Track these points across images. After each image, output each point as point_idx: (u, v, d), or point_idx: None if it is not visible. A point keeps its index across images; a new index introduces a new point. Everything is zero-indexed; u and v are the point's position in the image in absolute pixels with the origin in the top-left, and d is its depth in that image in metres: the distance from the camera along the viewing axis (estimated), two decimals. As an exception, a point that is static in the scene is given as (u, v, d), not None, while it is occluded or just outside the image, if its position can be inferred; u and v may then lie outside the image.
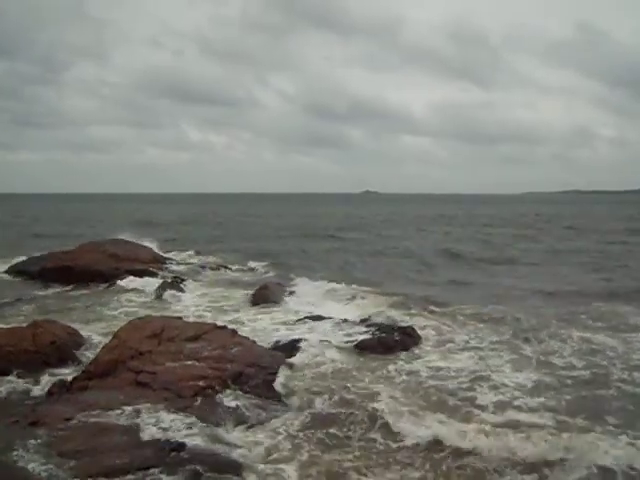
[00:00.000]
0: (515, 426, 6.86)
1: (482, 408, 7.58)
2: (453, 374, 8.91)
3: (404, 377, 8.77)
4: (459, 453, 6.28)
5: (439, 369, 9.12)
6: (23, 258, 20.17)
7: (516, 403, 7.77)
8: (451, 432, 6.66)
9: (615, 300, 14.67)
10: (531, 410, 7.51)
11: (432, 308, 13.62)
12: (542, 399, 7.90)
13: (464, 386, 8.42)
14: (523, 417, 7.22)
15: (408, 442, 6.55)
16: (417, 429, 6.76)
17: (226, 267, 20.95)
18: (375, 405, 7.39)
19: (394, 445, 6.55)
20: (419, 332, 10.94)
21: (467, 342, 10.70)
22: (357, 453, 6.35)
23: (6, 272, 19.10)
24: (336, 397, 7.74)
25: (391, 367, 9.19)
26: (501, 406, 7.65)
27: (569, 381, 8.70)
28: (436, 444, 6.48)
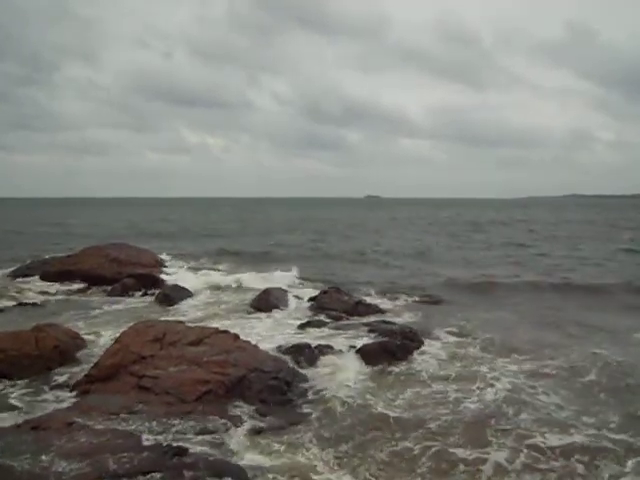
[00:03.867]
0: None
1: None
2: (462, 395, 8.13)
3: (408, 390, 8.40)
4: None
5: (445, 379, 8.82)
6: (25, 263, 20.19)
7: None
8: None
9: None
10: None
11: (436, 311, 13.62)
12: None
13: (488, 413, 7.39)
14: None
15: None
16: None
17: (228, 272, 20.94)
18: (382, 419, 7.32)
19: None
20: (421, 337, 10.91)
21: (476, 349, 10.50)
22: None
23: (8, 276, 19.15)
24: (337, 406, 7.67)
25: (394, 376, 9.10)
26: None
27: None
28: None
